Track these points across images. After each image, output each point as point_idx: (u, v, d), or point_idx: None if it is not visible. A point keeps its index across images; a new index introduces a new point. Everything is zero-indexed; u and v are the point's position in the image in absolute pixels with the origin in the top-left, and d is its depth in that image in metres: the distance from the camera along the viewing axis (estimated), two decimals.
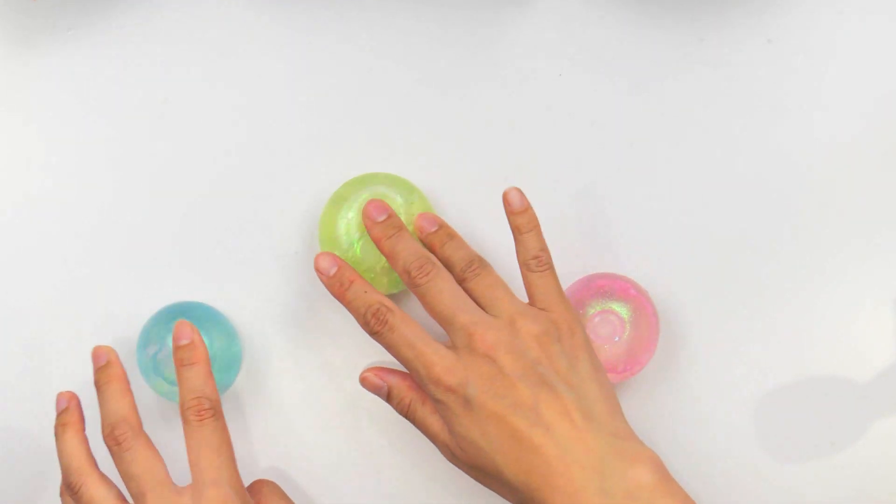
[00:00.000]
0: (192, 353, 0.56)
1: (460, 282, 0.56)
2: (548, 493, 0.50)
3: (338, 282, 0.57)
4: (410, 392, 0.56)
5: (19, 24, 0.66)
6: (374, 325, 0.55)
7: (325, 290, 0.58)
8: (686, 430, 0.62)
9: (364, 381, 0.59)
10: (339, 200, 0.61)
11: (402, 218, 0.59)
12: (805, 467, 0.62)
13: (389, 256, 0.57)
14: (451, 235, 0.58)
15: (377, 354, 0.63)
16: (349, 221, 0.60)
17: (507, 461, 0.51)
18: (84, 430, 0.56)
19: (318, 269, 0.57)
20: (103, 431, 0.54)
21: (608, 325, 0.60)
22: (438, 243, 0.58)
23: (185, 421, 0.54)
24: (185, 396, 0.55)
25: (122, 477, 0.54)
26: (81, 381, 0.63)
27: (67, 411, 0.56)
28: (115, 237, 0.64)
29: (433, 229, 0.59)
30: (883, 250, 0.64)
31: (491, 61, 0.65)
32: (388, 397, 0.58)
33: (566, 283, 0.62)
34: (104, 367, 0.56)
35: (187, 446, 0.54)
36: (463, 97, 0.65)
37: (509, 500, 0.53)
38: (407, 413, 0.57)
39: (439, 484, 0.62)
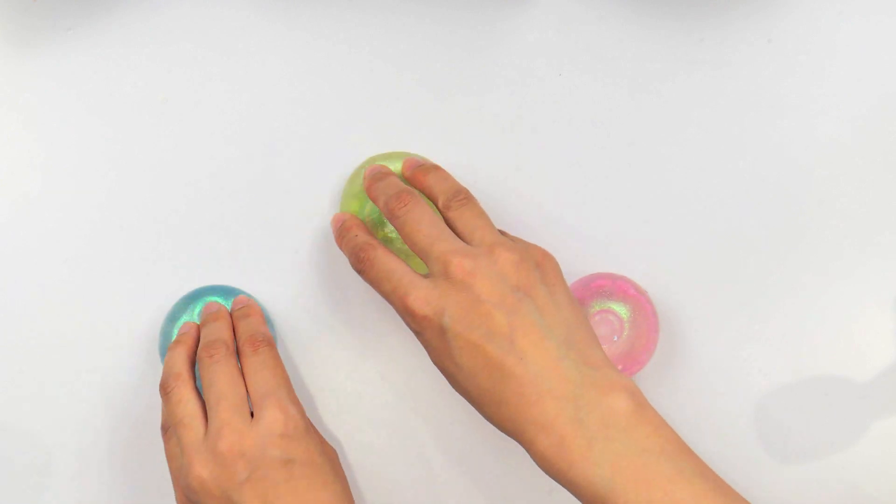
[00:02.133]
0: (248, 309, 0.60)
1: (444, 211, 0.56)
2: (521, 422, 0.49)
3: (341, 230, 0.58)
4: None
5: (19, 24, 0.66)
6: (357, 264, 0.55)
7: (338, 281, 0.58)
8: (686, 430, 0.62)
9: None
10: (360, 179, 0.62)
11: None
12: (805, 467, 0.62)
13: (373, 198, 0.58)
14: (436, 167, 0.59)
15: (402, 340, 0.63)
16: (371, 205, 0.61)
17: (482, 390, 0.51)
18: (195, 352, 0.59)
19: (332, 223, 0.60)
20: (200, 346, 0.58)
21: (607, 324, 0.59)
22: (422, 174, 0.58)
23: (242, 354, 0.57)
24: (240, 340, 0.58)
25: (203, 385, 0.56)
26: (84, 381, 0.63)
27: (186, 334, 0.60)
28: (115, 236, 0.64)
29: (416, 165, 0.60)
30: (883, 250, 0.64)
31: (491, 61, 0.65)
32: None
33: (569, 281, 0.63)
34: (216, 311, 0.60)
35: (245, 373, 0.56)
36: (463, 97, 0.65)
37: (494, 425, 0.53)
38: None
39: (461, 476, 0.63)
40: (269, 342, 0.58)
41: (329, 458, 0.56)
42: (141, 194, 0.65)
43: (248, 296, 0.63)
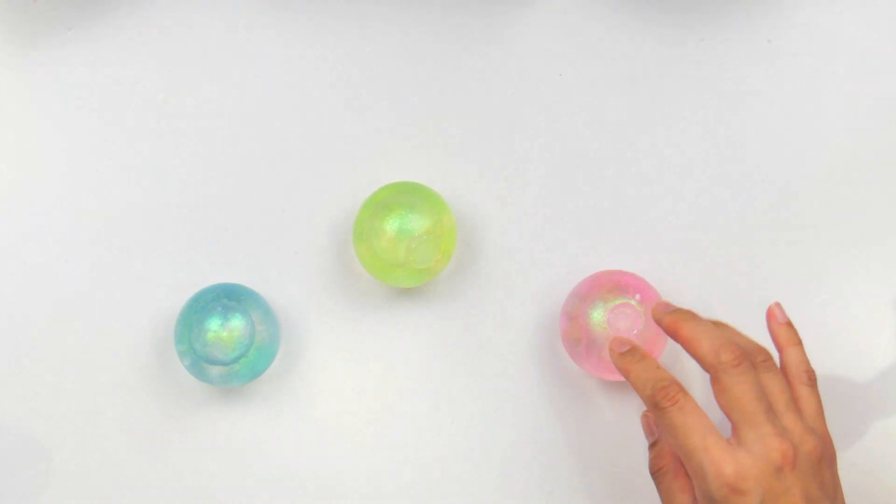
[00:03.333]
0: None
1: (755, 366, 0.55)
2: None
3: (629, 357, 0.57)
4: (671, 459, 0.57)
5: (19, 24, 0.66)
6: (663, 401, 0.54)
7: (339, 281, 0.58)
8: None
9: (643, 418, 0.61)
10: (375, 212, 0.61)
11: (434, 233, 0.60)
12: None
13: (690, 340, 0.56)
14: (724, 323, 0.58)
15: (403, 341, 0.63)
16: (392, 233, 0.60)
17: None
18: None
19: (611, 349, 0.58)
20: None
21: (626, 318, 0.60)
22: (712, 324, 0.57)
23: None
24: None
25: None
26: (84, 381, 0.63)
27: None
28: (115, 236, 0.64)
29: (669, 309, 0.58)
30: (883, 250, 0.64)
31: (491, 61, 0.65)
32: (651, 447, 0.59)
33: (571, 280, 0.63)
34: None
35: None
36: (463, 97, 0.65)
37: None
38: (655, 474, 0.57)
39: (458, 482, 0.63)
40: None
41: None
42: (141, 194, 0.65)
43: (254, 292, 0.62)
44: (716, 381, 0.54)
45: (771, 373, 0.55)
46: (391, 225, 0.60)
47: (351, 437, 0.63)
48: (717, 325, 0.58)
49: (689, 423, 0.53)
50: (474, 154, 0.65)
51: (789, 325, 0.58)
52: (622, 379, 0.61)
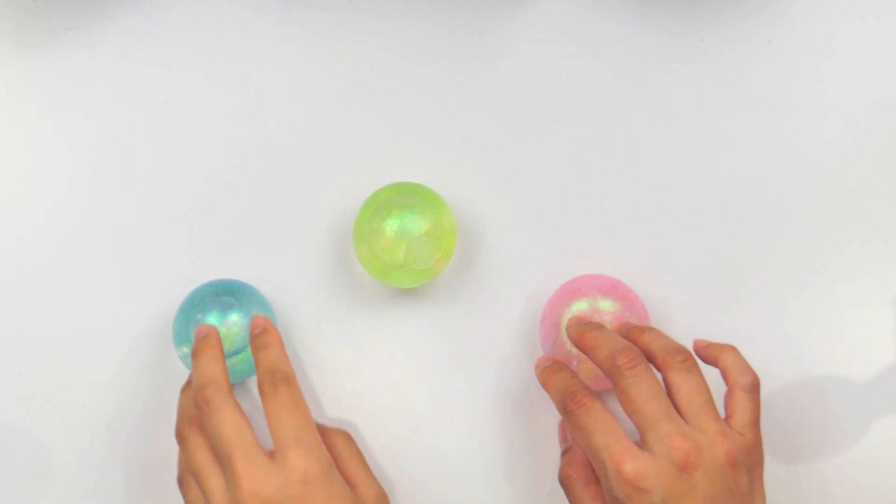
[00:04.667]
0: (267, 338, 0.58)
1: (664, 369, 0.55)
2: None
3: (549, 370, 0.58)
4: (581, 467, 0.57)
5: (19, 24, 0.66)
6: (570, 405, 0.55)
7: (339, 281, 0.57)
8: None
9: (559, 426, 0.62)
10: (376, 212, 0.61)
11: (433, 234, 0.60)
12: (805, 467, 0.62)
13: (591, 347, 0.57)
14: (650, 328, 0.58)
15: (403, 341, 0.63)
16: (389, 235, 0.60)
17: None
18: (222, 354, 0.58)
19: (536, 366, 0.59)
20: (194, 393, 0.56)
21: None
22: (637, 333, 0.58)
23: (262, 393, 0.56)
24: (260, 374, 0.56)
25: (210, 437, 0.55)
26: (84, 381, 0.63)
27: (209, 336, 0.58)
28: (115, 236, 0.64)
29: (630, 325, 0.59)
30: (883, 250, 0.64)
31: (491, 61, 0.65)
32: (562, 454, 0.59)
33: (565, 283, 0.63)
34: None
35: (266, 416, 0.55)
36: (463, 97, 0.65)
37: None
38: (564, 482, 0.57)
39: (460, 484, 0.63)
40: (288, 379, 0.56)
41: (355, 498, 0.56)
42: (141, 194, 0.65)
43: (252, 287, 0.62)
44: (616, 387, 0.54)
45: (689, 374, 0.55)
46: (391, 225, 0.60)
47: (358, 434, 0.63)
48: (643, 329, 0.58)
49: (593, 424, 0.53)
50: (474, 154, 0.65)
51: (714, 343, 0.58)
52: (609, 388, 0.61)
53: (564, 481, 0.57)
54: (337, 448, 0.58)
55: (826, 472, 0.62)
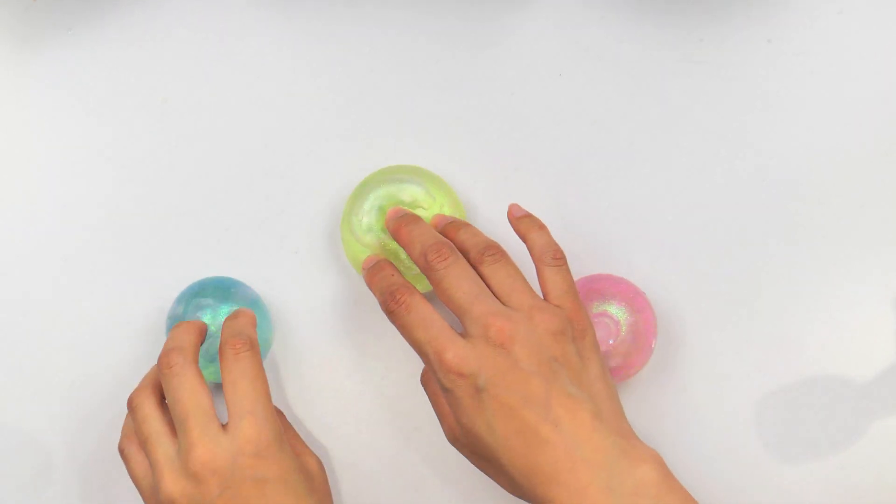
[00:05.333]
0: (238, 311, 0.59)
1: (476, 265, 0.56)
2: (552, 488, 0.50)
3: (375, 268, 0.58)
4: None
5: (19, 24, 0.66)
6: (391, 304, 0.55)
7: (339, 281, 0.57)
8: (686, 431, 0.62)
9: None
10: (363, 190, 0.62)
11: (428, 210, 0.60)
12: (805, 467, 0.62)
13: (407, 243, 0.57)
14: (467, 224, 0.58)
15: (402, 342, 0.63)
16: (369, 212, 0.61)
17: (513, 454, 0.51)
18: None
19: (363, 267, 0.59)
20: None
21: (603, 328, 0.59)
22: (453, 230, 0.58)
23: (222, 356, 0.56)
24: (223, 338, 0.56)
25: (168, 401, 0.55)
26: (84, 381, 0.63)
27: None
28: (115, 236, 0.64)
29: (447, 221, 0.59)
30: (883, 250, 0.64)
31: (491, 61, 0.65)
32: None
33: None
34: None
35: (223, 381, 0.55)
36: (463, 97, 0.65)
37: (506, 489, 0.54)
38: (423, 382, 0.57)
39: (451, 480, 0.63)
40: (251, 345, 0.56)
41: (306, 474, 0.56)
42: (140, 194, 0.65)
43: (242, 283, 0.62)
44: (431, 282, 0.55)
45: (498, 264, 0.55)
46: (371, 200, 0.60)
47: (350, 438, 0.63)
48: (458, 226, 0.58)
49: (413, 320, 0.53)
50: (474, 154, 0.65)
51: (528, 216, 0.58)
52: (618, 380, 0.61)
53: (423, 380, 0.57)
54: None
55: (826, 472, 0.62)
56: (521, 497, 0.53)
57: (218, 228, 0.64)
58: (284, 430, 0.58)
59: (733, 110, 0.65)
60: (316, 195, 0.64)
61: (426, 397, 0.63)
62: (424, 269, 0.55)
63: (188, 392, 0.54)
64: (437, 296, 0.55)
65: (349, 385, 0.63)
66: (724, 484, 0.62)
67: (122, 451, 0.57)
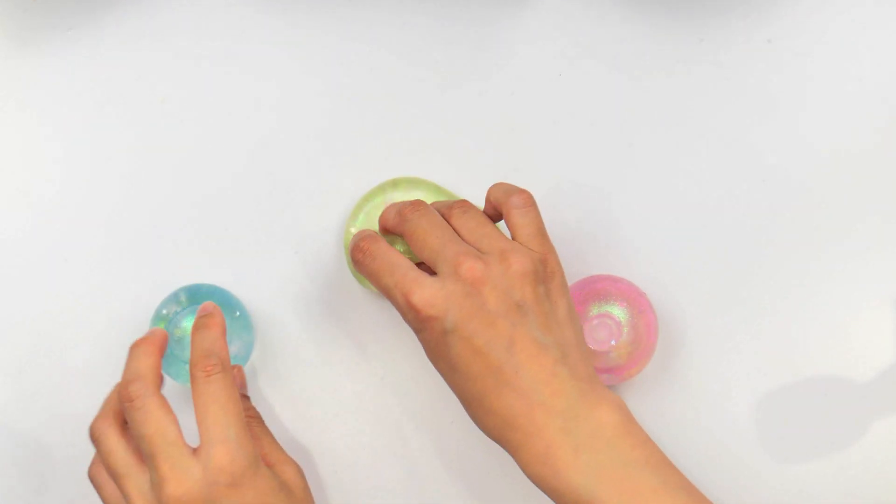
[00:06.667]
0: (209, 320, 0.56)
1: (447, 219, 0.56)
2: (508, 431, 0.51)
3: (354, 237, 0.57)
4: None
5: (19, 23, 0.66)
6: (357, 254, 0.55)
7: (338, 282, 0.57)
8: (686, 431, 0.62)
9: None
10: (362, 203, 0.62)
11: None
12: (805, 467, 0.62)
13: (384, 219, 0.58)
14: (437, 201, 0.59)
15: (402, 342, 0.63)
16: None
17: (473, 395, 0.52)
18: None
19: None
20: (118, 388, 0.54)
21: (605, 328, 0.59)
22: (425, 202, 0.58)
23: (193, 378, 0.54)
24: (193, 356, 0.55)
25: (133, 435, 0.53)
26: (84, 381, 0.63)
27: (149, 334, 0.57)
28: (115, 236, 0.64)
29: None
30: (883, 250, 0.64)
31: (491, 61, 0.65)
32: None
33: (571, 280, 0.62)
34: (145, 335, 0.56)
35: (195, 404, 0.53)
36: (463, 97, 0.65)
37: (482, 430, 0.54)
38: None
39: (445, 479, 0.63)
40: (222, 367, 0.54)
41: (286, 491, 0.55)
42: (139, 194, 0.65)
43: (232, 295, 0.62)
44: (403, 235, 0.55)
45: (467, 214, 0.56)
46: (366, 211, 0.61)
47: (350, 438, 0.63)
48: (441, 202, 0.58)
49: (381, 266, 0.54)
50: (474, 154, 0.65)
51: (493, 186, 0.58)
52: (620, 380, 0.61)
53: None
54: (254, 433, 0.58)
55: (826, 472, 0.62)
56: (481, 430, 0.53)
57: (217, 229, 0.64)
58: (262, 437, 0.58)
59: (733, 110, 0.65)
60: (315, 195, 0.64)
61: (426, 397, 0.63)
62: (399, 225, 0.56)
63: (153, 426, 0.52)
64: (411, 247, 0.55)
65: (348, 385, 0.63)
66: (724, 484, 0.62)
67: (92, 479, 0.55)
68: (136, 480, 0.53)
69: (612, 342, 0.59)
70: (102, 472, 0.55)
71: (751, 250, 0.64)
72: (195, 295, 0.61)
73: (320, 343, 0.64)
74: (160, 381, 0.55)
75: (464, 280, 0.52)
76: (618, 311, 0.60)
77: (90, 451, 0.62)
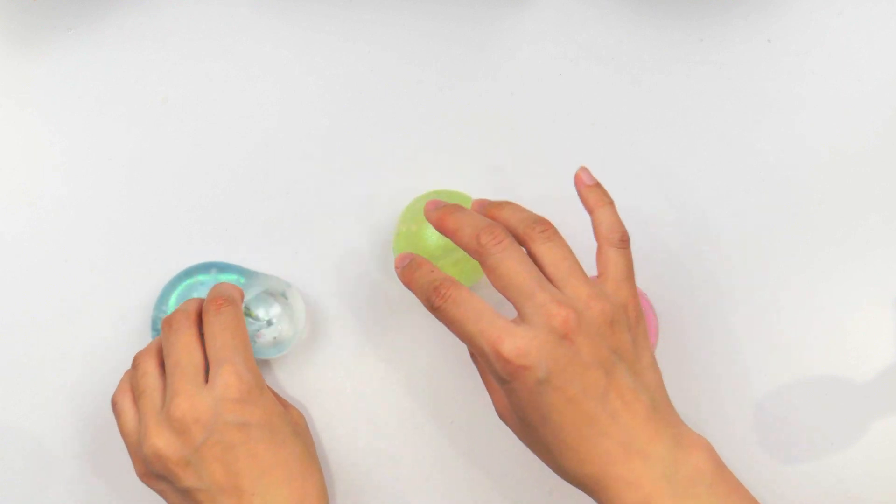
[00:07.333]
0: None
1: (526, 242, 0.54)
2: (606, 479, 0.50)
3: (412, 265, 0.55)
4: None
5: (19, 23, 0.66)
6: (436, 300, 0.52)
7: (338, 281, 0.57)
8: None
9: None
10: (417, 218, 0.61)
11: None
12: (805, 467, 0.62)
13: (454, 230, 0.54)
14: (508, 202, 0.57)
15: (403, 341, 0.63)
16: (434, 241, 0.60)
17: (567, 445, 0.51)
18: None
19: (396, 266, 0.56)
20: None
21: None
22: (496, 209, 0.56)
23: (205, 312, 0.58)
24: (208, 298, 0.58)
25: (164, 355, 0.57)
26: (84, 382, 0.63)
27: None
28: (114, 234, 0.64)
29: (488, 202, 0.57)
30: (883, 250, 0.64)
31: (491, 61, 0.65)
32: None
33: None
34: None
35: (205, 333, 0.57)
36: (463, 97, 0.65)
37: (553, 469, 0.53)
38: (474, 360, 0.56)
39: (459, 481, 0.63)
40: (232, 301, 0.58)
41: (290, 420, 0.58)
42: (140, 194, 0.65)
43: (236, 269, 0.63)
44: (484, 267, 0.53)
45: (550, 242, 0.53)
46: (432, 237, 0.60)
47: (350, 438, 0.63)
48: (502, 205, 0.56)
49: (463, 313, 0.52)
50: (473, 154, 0.65)
51: (598, 186, 0.56)
52: None
53: (472, 358, 0.56)
54: None
55: (826, 472, 0.62)
56: (567, 480, 0.52)
57: (217, 229, 0.64)
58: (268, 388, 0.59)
59: (733, 110, 0.65)
60: (316, 194, 0.64)
61: (426, 397, 0.63)
62: (477, 254, 0.53)
63: (182, 346, 0.56)
64: (492, 281, 0.52)
65: (348, 385, 0.63)
66: None
67: (114, 405, 0.58)
68: (154, 401, 0.56)
69: None
70: (126, 397, 0.58)
71: (750, 250, 0.64)
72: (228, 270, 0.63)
73: (320, 343, 0.64)
74: (198, 318, 0.58)
75: (556, 330, 0.50)
76: None
77: (91, 452, 0.63)
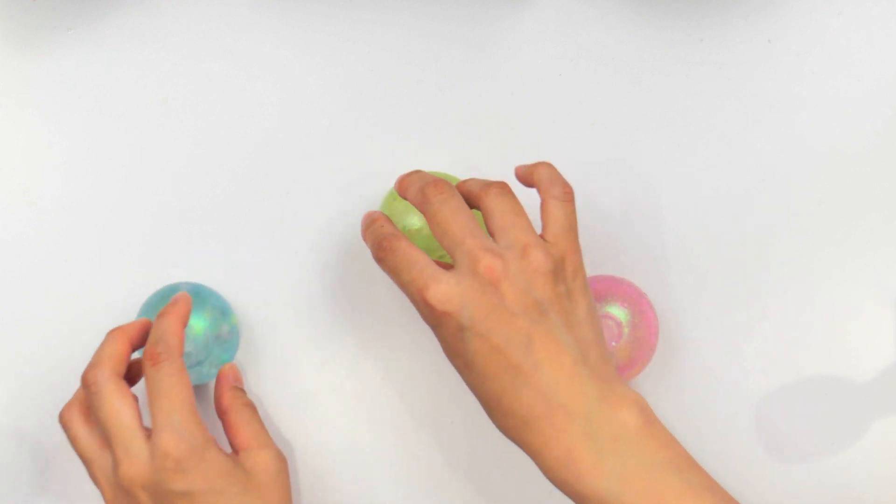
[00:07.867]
0: (168, 308, 0.56)
1: (480, 199, 0.54)
2: (530, 433, 0.50)
3: (367, 221, 0.56)
4: None
5: (19, 23, 0.66)
6: (378, 252, 0.53)
7: (338, 282, 0.57)
8: (686, 431, 0.62)
9: None
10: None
11: None
12: (805, 467, 0.62)
13: (406, 187, 0.55)
14: (474, 179, 0.57)
15: (403, 342, 0.63)
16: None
17: (491, 395, 0.50)
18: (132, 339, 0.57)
19: (362, 219, 0.57)
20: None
21: (605, 329, 0.59)
22: (463, 181, 0.56)
23: (143, 369, 0.54)
24: (146, 348, 0.55)
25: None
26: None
27: (124, 325, 0.57)
28: (114, 234, 0.64)
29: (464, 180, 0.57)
30: (883, 250, 0.64)
31: (491, 61, 0.65)
32: None
33: None
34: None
35: (147, 392, 0.54)
36: (463, 97, 0.65)
37: (500, 431, 0.52)
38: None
39: (438, 485, 0.63)
40: (169, 354, 0.54)
41: (243, 474, 0.55)
42: (140, 194, 0.65)
43: (214, 293, 0.62)
44: (426, 217, 0.53)
45: (501, 197, 0.54)
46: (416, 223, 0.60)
47: (350, 438, 0.63)
48: (468, 180, 0.56)
49: (400, 262, 0.52)
50: (473, 154, 0.65)
51: (536, 164, 0.56)
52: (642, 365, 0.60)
53: None
54: (234, 408, 0.58)
55: (826, 472, 0.62)
56: (501, 432, 0.52)
57: (217, 229, 0.64)
58: (248, 424, 0.57)
59: (733, 110, 0.65)
60: (316, 194, 0.64)
61: (426, 397, 0.63)
62: (420, 205, 0.54)
63: (108, 410, 0.53)
64: (432, 231, 0.53)
65: (347, 385, 0.63)
66: (724, 484, 0.62)
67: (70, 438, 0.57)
68: (101, 463, 0.54)
69: (613, 343, 0.59)
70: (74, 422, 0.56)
71: (750, 250, 0.64)
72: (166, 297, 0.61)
73: (320, 343, 0.64)
74: (119, 369, 0.55)
75: (481, 276, 0.50)
76: (618, 312, 0.60)
77: None
